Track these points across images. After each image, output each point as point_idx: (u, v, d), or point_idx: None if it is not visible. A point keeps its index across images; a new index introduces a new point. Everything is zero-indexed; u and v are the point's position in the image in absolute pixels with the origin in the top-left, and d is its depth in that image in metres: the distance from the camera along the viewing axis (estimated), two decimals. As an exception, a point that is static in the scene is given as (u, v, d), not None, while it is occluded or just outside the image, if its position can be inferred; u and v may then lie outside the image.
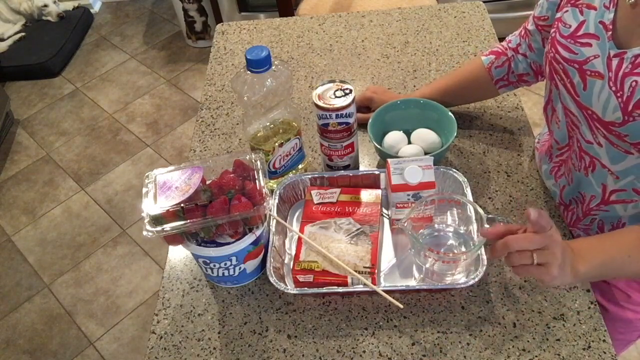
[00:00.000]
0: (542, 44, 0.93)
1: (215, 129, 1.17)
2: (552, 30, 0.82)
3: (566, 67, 0.79)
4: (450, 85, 1.06)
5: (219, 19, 2.81)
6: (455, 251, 0.86)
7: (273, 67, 0.88)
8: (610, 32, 0.72)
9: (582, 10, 0.77)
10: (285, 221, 0.95)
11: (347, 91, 0.91)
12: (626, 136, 0.73)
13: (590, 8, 0.76)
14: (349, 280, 0.83)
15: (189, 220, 0.77)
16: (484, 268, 0.80)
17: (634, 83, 0.69)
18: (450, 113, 1.00)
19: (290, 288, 0.84)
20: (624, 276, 0.88)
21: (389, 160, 0.89)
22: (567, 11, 0.79)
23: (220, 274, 0.86)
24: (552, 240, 0.69)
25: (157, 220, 0.78)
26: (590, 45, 0.75)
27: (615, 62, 0.72)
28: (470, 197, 0.90)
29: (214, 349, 0.83)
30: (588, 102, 0.77)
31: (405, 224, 0.79)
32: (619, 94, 0.72)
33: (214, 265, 0.84)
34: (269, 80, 0.88)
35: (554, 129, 0.90)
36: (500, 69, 1.00)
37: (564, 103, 0.83)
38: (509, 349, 0.78)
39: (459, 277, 0.82)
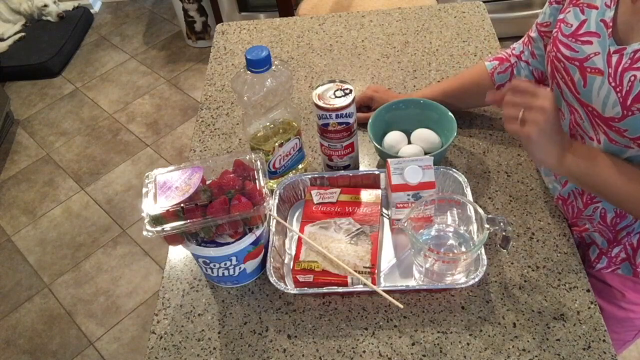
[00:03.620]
0: (544, 50, 0.93)
1: (215, 129, 1.17)
2: (555, 30, 0.83)
3: (567, 65, 0.79)
4: (452, 87, 1.06)
5: (219, 19, 2.81)
6: (455, 251, 0.86)
7: (273, 67, 0.88)
8: (610, 30, 0.73)
9: (583, 9, 0.77)
10: (285, 221, 0.95)
11: (347, 91, 0.91)
12: (625, 131, 0.74)
13: (591, 7, 0.77)
14: (349, 280, 0.83)
15: (189, 220, 0.77)
16: (484, 268, 0.81)
17: (632, 77, 0.70)
18: (450, 113, 1.00)
19: (290, 288, 0.84)
20: (605, 195, 0.81)
21: (389, 160, 0.89)
22: (569, 11, 0.80)
23: (220, 274, 0.86)
24: (540, 104, 0.72)
25: (157, 220, 0.78)
26: (590, 43, 0.76)
27: (615, 58, 0.73)
28: (470, 197, 0.90)
29: (214, 349, 0.83)
30: (588, 99, 0.78)
31: (405, 224, 0.79)
32: (618, 89, 0.72)
33: (214, 265, 0.84)
34: (269, 80, 0.88)
35: None
36: (503, 74, 1.00)
37: (568, 101, 0.83)
38: (509, 349, 0.78)
39: (459, 277, 0.82)
